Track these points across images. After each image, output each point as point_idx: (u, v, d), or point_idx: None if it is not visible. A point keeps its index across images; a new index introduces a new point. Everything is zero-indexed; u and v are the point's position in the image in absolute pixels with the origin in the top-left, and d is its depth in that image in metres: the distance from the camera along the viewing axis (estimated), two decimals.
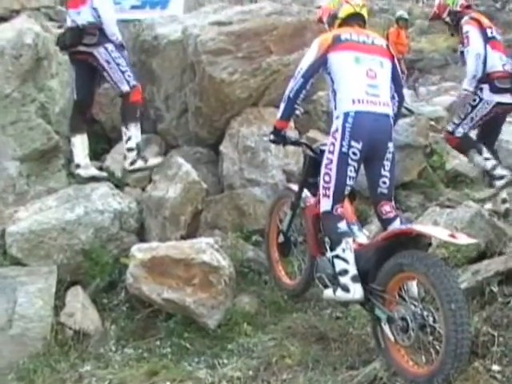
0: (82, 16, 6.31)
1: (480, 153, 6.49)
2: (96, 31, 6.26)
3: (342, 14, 4.75)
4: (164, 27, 7.70)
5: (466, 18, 6.69)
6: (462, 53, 6.68)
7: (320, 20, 5.14)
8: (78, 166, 6.41)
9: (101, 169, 6.69)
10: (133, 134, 6.38)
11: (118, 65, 6.33)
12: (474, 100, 6.48)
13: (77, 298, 5.33)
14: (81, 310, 5.23)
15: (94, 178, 6.38)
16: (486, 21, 6.75)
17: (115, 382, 4.57)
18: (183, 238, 5.74)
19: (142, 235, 6.08)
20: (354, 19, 4.74)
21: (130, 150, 6.39)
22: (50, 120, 6.81)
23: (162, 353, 4.91)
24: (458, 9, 6.88)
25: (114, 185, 6.40)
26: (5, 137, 6.55)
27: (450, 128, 6.66)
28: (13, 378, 4.70)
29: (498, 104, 6.47)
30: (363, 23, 4.80)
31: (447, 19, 7.04)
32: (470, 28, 6.60)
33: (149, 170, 6.56)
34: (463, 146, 6.65)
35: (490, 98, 6.47)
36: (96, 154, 6.61)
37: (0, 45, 6.74)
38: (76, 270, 5.61)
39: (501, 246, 5.15)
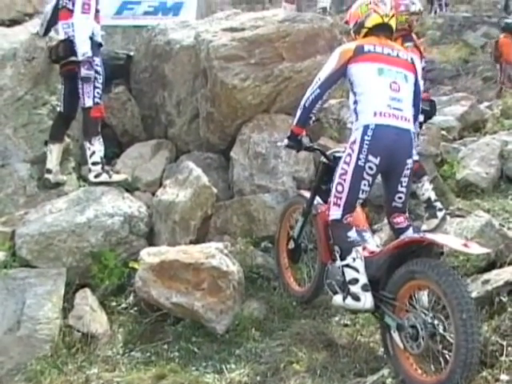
0: (71, 28, 6.33)
1: (430, 181, 6.41)
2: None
3: (369, 23, 4.58)
4: (177, 32, 7.76)
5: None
6: None
7: (346, 23, 4.94)
8: (49, 171, 6.47)
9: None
10: (96, 148, 6.38)
11: (95, 79, 6.35)
12: None
13: (85, 301, 5.31)
14: (89, 312, 5.21)
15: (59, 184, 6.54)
16: None
17: None
18: (192, 242, 5.70)
19: (151, 239, 6.06)
20: (381, 30, 4.57)
21: (94, 164, 6.39)
22: None
23: (169, 356, 4.87)
24: None
25: (124, 189, 6.41)
26: (16, 139, 6.63)
27: None
28: (20, 379, 4.68)
29: None
30: (390, 34, 4.66)
31: None
32: None
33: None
34: (422, 170, 6.34)
35: None
36: (106, 158, 6.59)
37: (13, 47, 6.85)
38: (85, 273, 5.60)
39: (511, 256, 5.12)
